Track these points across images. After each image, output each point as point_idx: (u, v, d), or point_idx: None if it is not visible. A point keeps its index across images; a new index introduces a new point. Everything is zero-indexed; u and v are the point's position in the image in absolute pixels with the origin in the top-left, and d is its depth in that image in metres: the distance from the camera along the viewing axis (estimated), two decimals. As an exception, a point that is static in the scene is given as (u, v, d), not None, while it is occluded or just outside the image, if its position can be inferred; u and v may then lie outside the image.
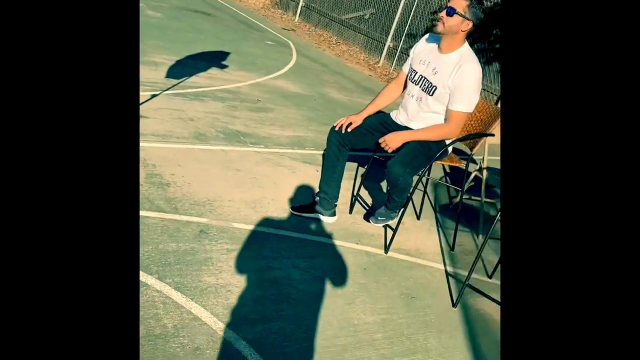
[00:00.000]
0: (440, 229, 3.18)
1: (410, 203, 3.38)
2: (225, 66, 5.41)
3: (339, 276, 2.39)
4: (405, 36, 8.43)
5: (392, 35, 8.70)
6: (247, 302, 2.04)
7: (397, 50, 8.49)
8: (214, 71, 5.13)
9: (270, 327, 1.95)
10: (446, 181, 4.01)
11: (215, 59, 5.63)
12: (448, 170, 4.31)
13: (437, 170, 4.18)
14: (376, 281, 2.43)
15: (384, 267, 2.58)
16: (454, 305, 2.42)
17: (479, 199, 3.40)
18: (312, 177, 3.36)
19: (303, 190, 3.12)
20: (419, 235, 3.02)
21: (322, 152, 3.86)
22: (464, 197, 3.60)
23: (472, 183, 3.58)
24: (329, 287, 2.28)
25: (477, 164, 3.46)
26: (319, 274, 2.35)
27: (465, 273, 2.72)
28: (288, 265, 2.36)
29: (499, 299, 2.51)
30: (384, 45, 8.82)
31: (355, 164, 3.81)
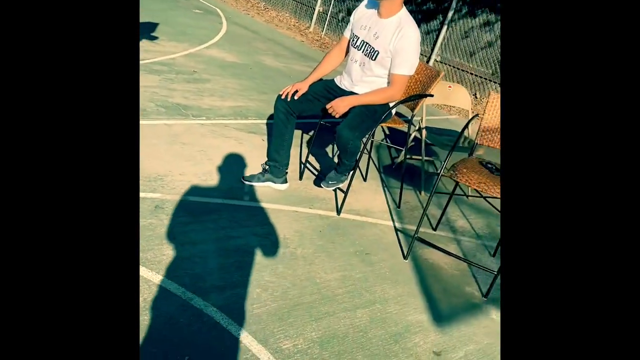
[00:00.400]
0: (385, 189, 3.34)
1: (357, 167, 3.51)
2: (155, 37, 5.23)
3: (297, 240, 2.48)
4: (335, 0, 8.45)
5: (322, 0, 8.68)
6: (212, 270, 2.09)
7: (327, 15, 8.50)
8: (144, 43, 4.95)
9: (237, 292, 2.01)
10: (387, 143, 4.17)
11: (145, 30, 5.42)
12: (388, 132, 4.47)
13: (378, 132, 4.32)
14: (332, 241, 2.54)
15: (338, 227, 2.69)
16: (405, 257, 2.58)
17: (419, 157, 3.58)
18: (259, 147, 3.39)
19: (252, 160, 3.16)
20: (367, 196, 3.16)
21: (265, 121, 3.89)
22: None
23: (412, 143, 3.75)
24: (288, 250, 2.37)
25: (415, 125, 3.62)
26: (277, 239, 2.43)
27: (412, 227, 2.90)
28: (247, 233, 2.41)
29: (444, 248, 2.72)
30: (314, 10, 8.79)
31: (300, 131, 3.88)
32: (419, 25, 7.41)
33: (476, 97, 6.71)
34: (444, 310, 2.26)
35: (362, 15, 2.68)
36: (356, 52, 2.67)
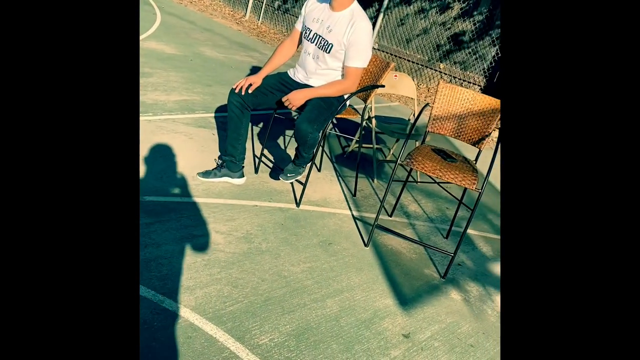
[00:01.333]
0: (340, 178, 3.40)
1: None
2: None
3: (261, 234, 2.49)
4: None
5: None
6: (180, 271, 2.07)
7: (262, 3, 8.41)
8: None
9: (208, 291, 2.00)
10: (338, 132, 4.22)
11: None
12: (336, 122, 4.53)
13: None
14: (295, 234, 2.57)
15: (299, 219, 2.72)
16: (366, 245, 2.66)
17: (370, 146, 3.66)
18: (211, 141, 3.35)
19: (205, 155, 3.12)
20: (324, 187, 3.21)
21: (213, 114, 3.83)
22: (356, 145, 3.85)
23: (363, 132, 3.82)
24: (253, 245, 2.38)
25: (365, 114, 3.69)
26: (242, 235, 2.43)
27: (369, 215, 2.98)
28: (210, 230, 2.39)
29: (402, 234, 2.82)
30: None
31: (251, 124, 3.85)
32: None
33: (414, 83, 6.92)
34: (407, 293, 2.36)
35: (314, 7, 2.70)
36: (309, 44, 2.68)
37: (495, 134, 2.37)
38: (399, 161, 2.52)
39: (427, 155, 2.58)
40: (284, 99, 2.60)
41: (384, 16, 7.15)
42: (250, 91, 2.68)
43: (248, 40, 7.07)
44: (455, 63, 6.58)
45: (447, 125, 2.75)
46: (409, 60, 7.00)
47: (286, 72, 2.86)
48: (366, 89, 2.86)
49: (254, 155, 3.28)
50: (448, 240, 2.96)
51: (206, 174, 2.84)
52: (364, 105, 3.01)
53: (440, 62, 6.70)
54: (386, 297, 2.29)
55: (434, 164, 2.47)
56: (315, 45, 2.65)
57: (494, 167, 2.55)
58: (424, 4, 6.81)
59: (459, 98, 2.70)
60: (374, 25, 7.26)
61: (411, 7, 6.95)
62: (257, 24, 8.36)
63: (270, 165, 3.27)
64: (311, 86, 2.70)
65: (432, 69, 6.79)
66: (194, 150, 3.14)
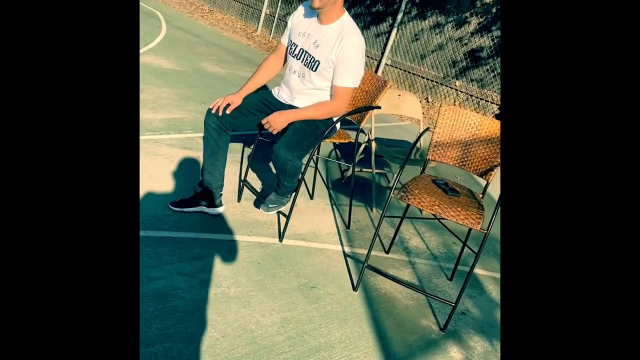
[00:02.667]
0: (334, 207, 3.07)
1: (302, 183, 3.22)
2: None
3: (231, 276, 2.17)
4: (282, 2, 8.15)
5: (268, 2, 8.37)
6: (124, 325, 1.75)
7: (274, 18, 8.20)
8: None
9: (154, 350, 1.69)
10: (336, 155, 3.90)
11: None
12: (337, 144, 4.21)
13: (326, 145, 4.05)
14: (272, 275, 2.24)
15: (280, 257, 2.40)
16: (354, 289, 2.31)
17: (370, 170, 3.33)
18: (193, 165, 3.06)
19: (183, 181, 2.82)
20: (314, 217, 2.88)
21: (202, 134, 3.55)
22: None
23: (362, 155, 3.50)
24: (220, 290, 2.06)
25: (365, 134, 3.37)
26: (208, 277, 2.12)
27: (363, 251, 2.64)
28: (171, 272, 2.09)
29: (397, 276, 2.47)
30: (260, 12, 8.47)
31: (241, 145, 3.56)
32: (368, 28, 7.25)
33: (428, 101, 6.57)
34: (398, 352, 2.00)
35: (300, 20, 2.41)
36: (295, 61, 2.38)
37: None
38: (392, 194, 2.18)
39: (425, 187, 2.24)
40: (263, 122, 2.30)
41: (397, 31, 6.85)
42: (228, 112, 2.39)
43: (256, 56, 6.84)
44: (472, 80, 6.23)
45: (450, 153, 2.40)
46: (423, 77, 6.67)
47: (270, 91, 2.56)
48: (359, 111, 2.53)
49: (240, 180, 2.98)
50: (452, 283, 2.59)
51: (180, 203, 2.54)
52: (358, 128, 2.68)
53: (456, 79, 6.35)
54: (372, 356, 1.94)
55: (432, 198, 2.13)
56: (301, 62, 2.35)
57: (504, 203, 2.20)
58: (439, 18, 6.48)
59: (464, 122, 2.36)
60: (387, 40, 6.96)
61: (426, 21, 6.63)
62: (268, 38, 8.14)
63: (256, 192, 2.95)
64: (296, 107, 2.39)
65: (447, 86, 6.44)
66: (172, 176, 2.85)
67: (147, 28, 6.33)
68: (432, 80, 6.57)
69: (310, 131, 2.29)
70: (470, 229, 2.48)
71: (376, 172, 3.25)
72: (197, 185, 2.56)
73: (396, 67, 6.94)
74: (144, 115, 3.58)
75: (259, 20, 8.47)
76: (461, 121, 2.37)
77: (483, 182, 4.06)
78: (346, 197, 3.22)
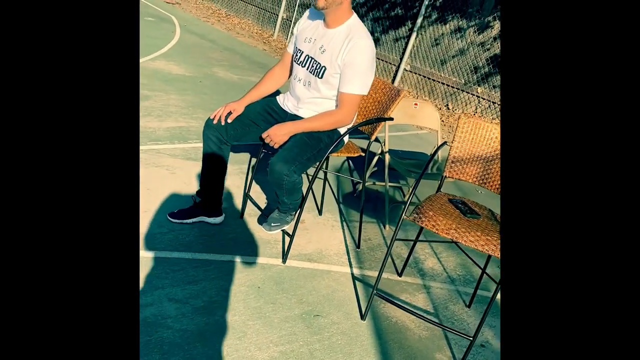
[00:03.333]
0: (345, 224, 2.87)
1: (311, 197, 3.04)
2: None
3: (227, 303, 1.99)
4: (299, 7, 8.01)
5: (285, 6, 8.24)
6: None
7: (291, 22, 8.06)
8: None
9: (135, 390, 1.51)
10: (349, 167, 3.71)
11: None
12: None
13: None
14: (272, 302, 2.06)
15: (282, 281, 2.22)
16: (362, 317, 2.12)
17: (383, 184, 3.13)
18: (196, 177, 2.90)
19: (184, 195, 2.66)
20: (322, 235, 2.69)
21: (208, 144, 3.40)
22: (366, 183, 3.32)
23: (375, 168, 3.30)
24: (213, 319, 1.88)
25: (380, 143, 3.16)
26: (202, 304, 1.94)
27: (373, 274, 2.44)
28: (162, 297, 1.92)
29: (409, 302, 2.26)
30: (277, 16, 8.34)
31: (247, 155, 3.40)
32: (386, 33, 7.05)
33: (448, 108, 6.34)
34: (408, 392, 1.80)
35: (306, 26, 2.23)
36: (300, 69, 2.21)
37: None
38: (403, 215, 1.98)
39: (441, 208, 2.03)
40: (263, 135, 2.13)
41: (417, 36, 6.64)
42: (229, 120, 2.22)
43: (272, 61, 6.69)
44: (494, 87, 5.98)
45: (469, 170, 2.19)
46: (443, 83, 6.44)
47: (275, 98, 2.38)
48: (370, 122, 2.34)
49: (244, 194, 2.81)
50: (471, 310, 2.37)
51: (179, 214, 2.38)
52: (369, 140, 2.48)
53: (478, 85, 6.11)
54: (379, 398, 1.74)
55: (448, 221, 1.92)
56: (306, 69, 2.17)
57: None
58: (461, 22, 6.25)
59: (485, 136, 2.15)
60: (405, 45, 6.74)
61: (447, 26, 6.40)
62: (284, 43, 8.00)
63: (260, 208, 2.78)
64: (300, 117, 2.21)
65: (468, 93, 6.20)
66: (173, 188, 2.70)
67: (160, 33, 6.23)
68: (453, 87, 6.34)
69: (312, 144, 2.11)
70: (489, 257, 2.26)
71: (390, 186, 3.05)
72: (195, 194, 2.40)
73: (415, 73, 6.73)
74: (149, 123, 3.44)
75: (276, 24, 8.34)
76: (481, 134, 2.16)
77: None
78: (358, 213, 3.03)
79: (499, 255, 1.83)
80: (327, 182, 3.11)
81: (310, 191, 3.08)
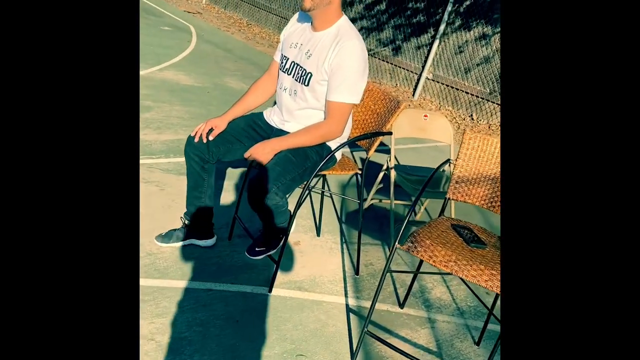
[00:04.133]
0: (345, 246, 2.64)
1: (311, 215, 2.82)
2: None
3: (198, 339, 1.78)
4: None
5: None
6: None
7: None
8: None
9: None
10: (357, 184, 3.46)
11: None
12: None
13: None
14: (250, 338, 1.84)
15: (265, 313, 1.99)
16: (352, 358, 1.87)
17: (388, 200, 2.88)
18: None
19: (172, 213, 2.48)
20: (318, 258, 2.46)
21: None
22: (373, 200, 3.08)
23: (381, 185, 3.05)
24: (179, 359, 1.67)
25: (388, 154, 2.91)
26: (168, 340, 1.74)
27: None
28: (123, 333, 1.72)
29: (409, 339, 2.01)
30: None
31: (240, 170, 3.20)
32: (408, 40, 6.79)
33: (472, 119, 6.03)
34: None
35: (292, 30, 2.03)
36: (285, 77, 2.00)
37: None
38: (396, 244, 1.74)
39: (440, 235, 1.78)
40: (245, 155, 1.93)
41: (439, 43, 6.36)
42: (211, 137, 2.03)
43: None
44: (521, 96, 5.64)
45: (475, 191, 1.93)
46: (467, 93, 6.14)
47: (262, 112, 2.18)
48: (364, 137, 2.10)
49: (235, 215, 2.60)
50: (480, 349, 2.10)
51: (167, 236, 2.20)
52: (366, 157, 2.25)
53: (504, 94, 5.78)
54: None
55: (447, 251, 1.67)
56: (292, 77, 1.96)
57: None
58: (485, 29, 5.95)
59: (494, 153, 1.89)
60: (428, 52, 6.47)
61: (471, 32, 6.11)
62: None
63: (247, 231, 2.57)
64: (287, 133, 2.00)
65: (494, 102, 5.88)
66: (160, 207, 2.52)
67: (175, 42, 6.14)
68: (477, 96, 6.03)
69: (298, 162, 1.89)
70: (497, 296, 1.98)
71: (397, 204, 2.80)
72: (184, 215, 2.21)
73: (438, 82, 6.44)
74: (146, 136, 3.29)
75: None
76: (490, 151, 1.89)
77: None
78: (362, 234, 2.78)
79: (506, 294, 1.56)
80: (327, 200, 2.88)
81: (312, 210, 2.85)
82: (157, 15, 7.70)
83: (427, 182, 1.87)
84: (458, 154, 1.92)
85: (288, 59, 1.98)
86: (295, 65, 1.94)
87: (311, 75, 1.88)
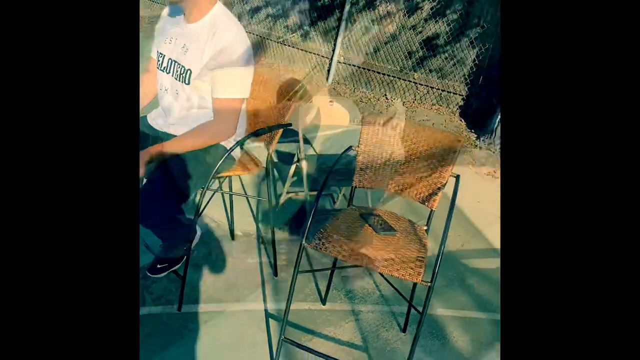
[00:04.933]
0: (261, 247, 2.50)
1: (226, 220, 2.66)
2: None
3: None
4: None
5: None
6: None
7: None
8: None
9: None
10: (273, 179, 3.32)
11: None
12: (273, 159, 3.64)
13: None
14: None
15: (173, 331, 1.83)
16: (272, 367, 1.76)
17: (302, 190, 2.77)
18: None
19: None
20: (232, 264, 2.31)
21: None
22: (288, 194, 2.96)
23: (295, 178, 2.93)
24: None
25: (309, 144, 2.79)
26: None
27: (294, 307, 2.08)
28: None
29: (333, 336, 1.91)
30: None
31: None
32: (315, 25, 6.68)
33: (387, 99, 6.04)
34: None
35: (164, 24, 1.85)
36: (164, 76, 1.82)
37: (451, 187, 1.48)
38: (304, 242, 1.63)
39: (349, 227, 1.69)
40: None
41: (347, 25, 6.31)
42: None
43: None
44: (431, 71, 5.72)
45: (381, 177, 1.86)
46: (378, 73, 6.14)
47: (145, 116, 1.98)
48: (262, 132, 1.96)
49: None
50: (406, 336, 2.05)
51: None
52: (267, 153, 2.11)
53: (414, 71, 5.84)
54: None
55: (357, 244, 1.58)
56: (171, 75, 1.78)
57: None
58: (389, 6, 5.96)
59: (394, 135, 1.82)
60: (336, 36, 6.41)
61: (376, 11, 6.10)
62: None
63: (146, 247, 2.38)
64: (174, 136, 1.82)
65: (405, 80, 5.92)
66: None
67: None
68: (389, 75, 6.05)
69: (190, 169, 1.72)
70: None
71: (312, 195, 2.70)
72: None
73: (350, 64, 6.40)
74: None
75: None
76: (391, 134, 1.82)
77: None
78: (279, 231, 2.66)
79: (419, 280, 1.49)
80: (242, 200, 2.73)
81: (226, 213, 2.69)
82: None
83: (330, 172, 1.77)
84: (359, 140, 1.84)
85: (164, 55, 1.80)
86: (173, 63, 1.77)
87: (190, 72, 1.71)
